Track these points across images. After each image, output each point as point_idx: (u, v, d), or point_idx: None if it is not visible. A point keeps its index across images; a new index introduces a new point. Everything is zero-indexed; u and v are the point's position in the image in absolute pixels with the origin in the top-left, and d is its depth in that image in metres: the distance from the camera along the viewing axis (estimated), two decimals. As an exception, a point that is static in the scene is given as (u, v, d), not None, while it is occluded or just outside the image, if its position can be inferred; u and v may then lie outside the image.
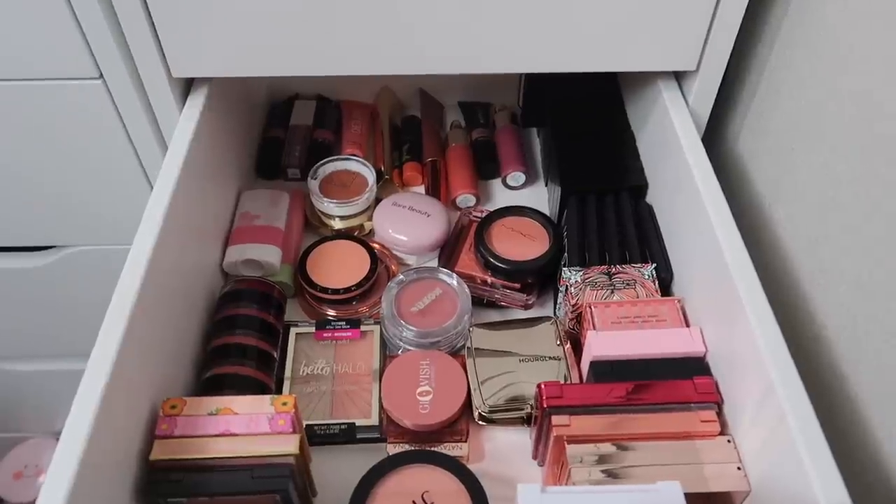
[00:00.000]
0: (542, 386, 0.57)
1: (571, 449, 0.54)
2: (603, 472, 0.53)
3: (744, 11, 0.63)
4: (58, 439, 0.46)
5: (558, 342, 0.67)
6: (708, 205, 0.60)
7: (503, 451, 0.64)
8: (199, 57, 0.65)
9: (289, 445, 0.53)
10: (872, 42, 0.53)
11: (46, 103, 0.69)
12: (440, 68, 0.66)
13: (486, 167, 0.89)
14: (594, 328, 0.62)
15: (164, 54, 0.64)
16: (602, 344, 0.60)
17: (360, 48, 0.64)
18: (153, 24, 0.62)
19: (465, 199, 0.85)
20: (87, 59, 0.65)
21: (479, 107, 0.97)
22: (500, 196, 0.88)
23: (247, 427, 0.54)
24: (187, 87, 0.70)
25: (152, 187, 0.78)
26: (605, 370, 0.60)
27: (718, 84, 0.69)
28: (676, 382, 0.57)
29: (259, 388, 0.64)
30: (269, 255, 0.74)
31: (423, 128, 0.94)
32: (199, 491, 0.52)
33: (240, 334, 0.66)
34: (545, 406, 0.56)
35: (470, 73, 0.66)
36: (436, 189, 0.86)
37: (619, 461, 0.53)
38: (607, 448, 0.54)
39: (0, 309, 0.94)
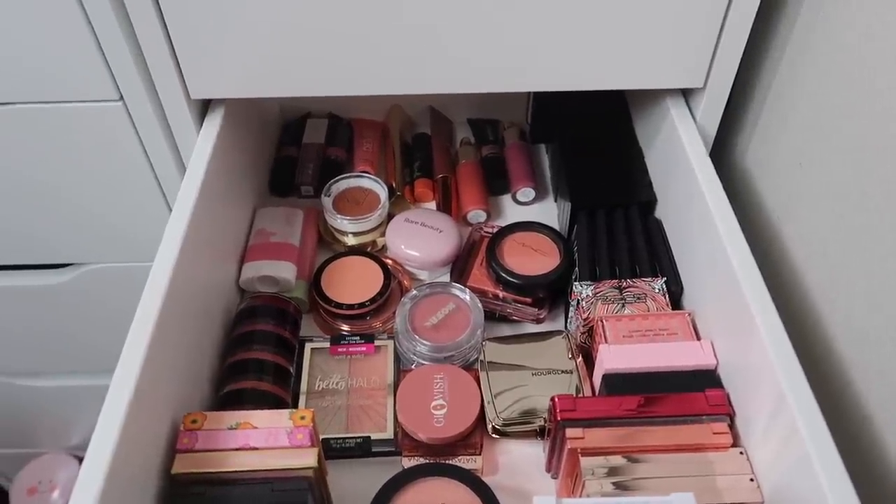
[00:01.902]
0: (556, 399, 0.57)
1: (585, 461, 0.55)
2: (616, 484, 0.53)
3: (750, 29, 0.64)
4: (72, 455, 0.46)
5: (570, 356, 0.68)
6: (717, 219, 0.61)
7: (517, 463, 0.65)
8: (216, 79, 0.66)
9: (307, 459, 0.54)
10: (881, 56, 0.54)
11: (68, 125, 0.71)
12: (450, 88, 0.67)
13: (496, 183, 0.91)
14: (606, 342, 0.63)
15: (183, 77, 0.66)
16: (614, 357, 0.61)
17: (372, 69, 0.66)
18: (173, 47, 0.64)
19: (476, 214, 0.86)
20: (107, 82, 0.67)
21: (488, 123, 0.99)
22: (511, 211, 0.89)
23: (266, 441, 0.55)
24: (204, 108, 0.72)
25: (169, 205, 0.80)
26: (618, 383, 0.61)
27: (725, 100, 0.70)
28: (688, 395, 0.57)
29: (276, 403, 0.65)
30: (285, 271, 0.75)
31: (433, 144, 0.95)
32: (221, 504, 0.53)
33: (257, 350, 0.67)
34: (559, 419, 0.57)
35: (480, 92, 0.67)
36: (447, 205, 0.87)
37: (633, 473, 0.54)
38: (620, 460, 0.55)
39: (18, 325, 0.95)
